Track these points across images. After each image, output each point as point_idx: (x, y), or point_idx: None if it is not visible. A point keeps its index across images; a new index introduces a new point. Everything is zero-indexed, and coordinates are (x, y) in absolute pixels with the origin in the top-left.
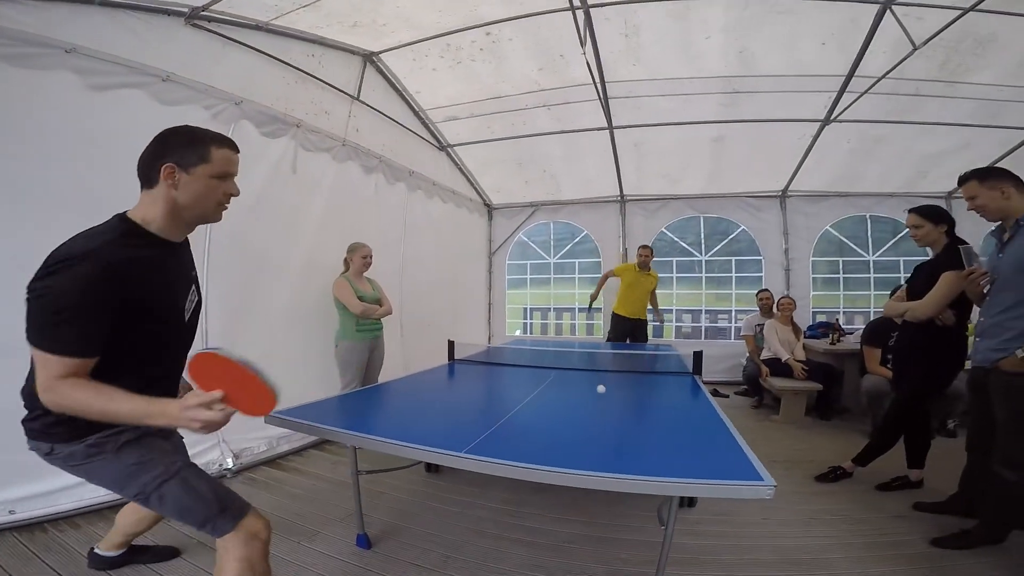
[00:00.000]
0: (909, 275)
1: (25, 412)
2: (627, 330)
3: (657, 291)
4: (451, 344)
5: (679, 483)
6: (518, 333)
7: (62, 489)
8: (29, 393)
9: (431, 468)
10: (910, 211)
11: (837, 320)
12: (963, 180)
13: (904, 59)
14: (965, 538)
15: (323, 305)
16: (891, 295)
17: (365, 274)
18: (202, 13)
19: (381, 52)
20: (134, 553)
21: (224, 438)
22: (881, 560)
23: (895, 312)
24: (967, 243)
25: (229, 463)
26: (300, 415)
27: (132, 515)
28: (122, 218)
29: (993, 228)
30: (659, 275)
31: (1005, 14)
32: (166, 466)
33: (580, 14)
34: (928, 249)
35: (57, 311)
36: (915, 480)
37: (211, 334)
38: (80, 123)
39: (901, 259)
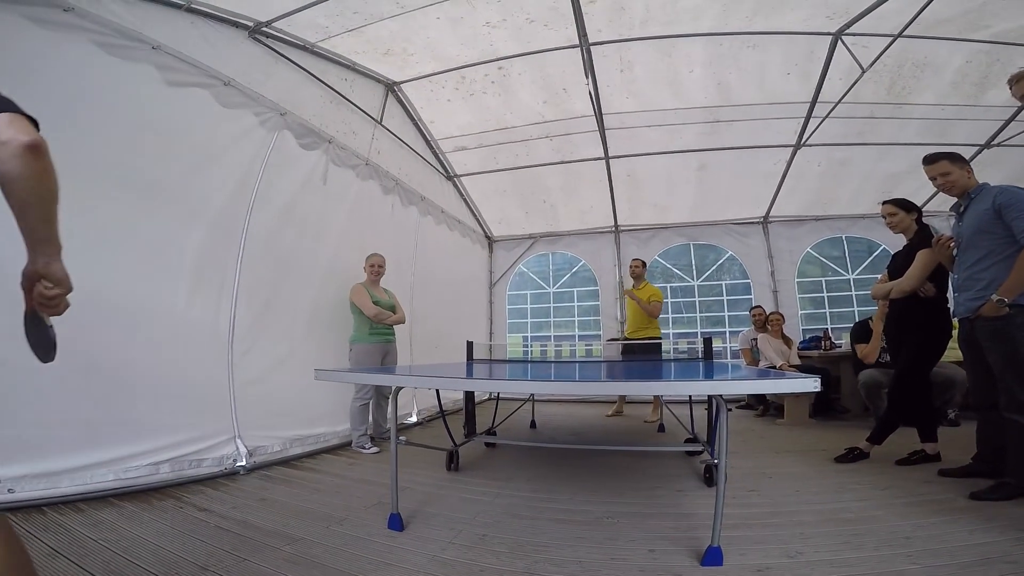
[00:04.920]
0: (889, 262)
1: None
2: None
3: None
4: (470, 345)
5: (738, 382)
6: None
7: (65, 471)
8: None
9: (451, 466)
10: (885, 202)
11: (826, 330)
12: (934, 159)
13: (855, 82)
14: (1003, 489)
15: (340, 310)
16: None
17: (384, 284)
18: (263, 28)
19: (403, 82)
20: None
21: (240, 434)
22: (928, 514)
23: (882, 293)
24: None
25: (243, 460)
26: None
27: None
28: None
29: None
30: (656, 287)
31: (932, 39)
32: None
33: (583, 51)
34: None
35: None
36: (932, 453)
37: (238, 328)
38: (151, 113)
39: (879, 277)
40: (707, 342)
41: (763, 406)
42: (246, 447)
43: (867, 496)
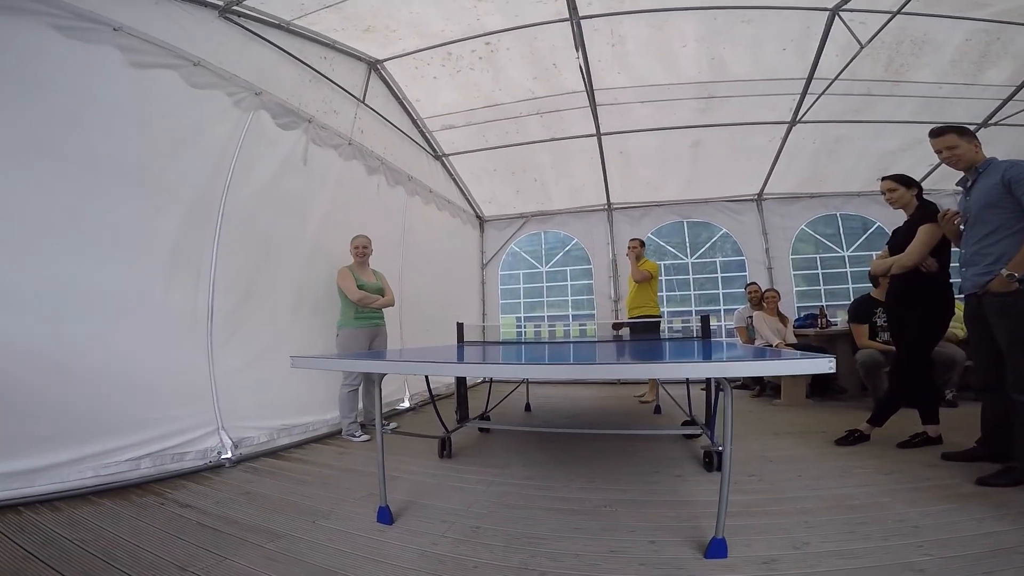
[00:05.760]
0: (889, 238)
1: None
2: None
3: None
4: (460, 326)
5: (743, 363)
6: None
7: (41, 469)
8: None
9: (443, 453)
10: (884, 178)
11: (822, 308)
12: (941, 132)
13: (853, 59)
14: (1010, 474)
15: (327, 294)
16: (870, 276)
17: (372, 266)
18: (234, 7)
19: (385, 60)
20: None
21: (224, 425)
22: (934, 500)
23: (882, 269)
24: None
25: (228, 452)
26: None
27: None
28: None
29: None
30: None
31: (932, 16)
32: None
33: (573, 25)
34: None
35: None
36: (934, 436)
37: (217, 314)
38: (114, 96)
39: (873, 254)
40: (704, 320)
41: (759, 386)
42: (231, 439)
43: (871, 481)
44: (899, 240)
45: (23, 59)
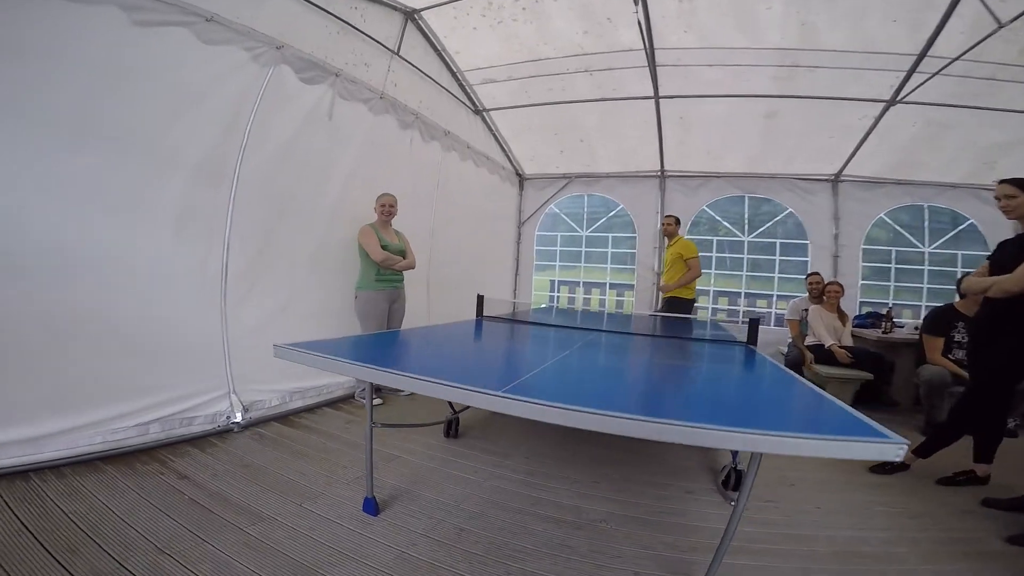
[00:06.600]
0: (992, 251)
1: None
2: (664, 310)
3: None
4: (480, 299)
5: (771, 436)
6: (544, 306)
7: (49, 435)
8: None
9: (450, 432)
10: (1003, 181)
11: (890, 309)
12: None
13: (985, 38)
14: None
15: (348, 253)
16: (957, 285)
17: (395, 227)
18: None
19: (423, 9)
20: None
21: (235, 389)
22: (954, 557)
23: (978, 288)
24: None
25: (238, 416)
26: (312, 348)
27: None
28: None
29: None
30: (689, 240)
31: None
32: None
33: None
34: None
35: None
36: (982, 476)
37: (231, 273)
38: (118, 58)
39: (960, 253)
40: (753, 323)
41: None
42: (241, 402)
43: (894, 524)
44: (1006, 255)
45: (18, 25)
